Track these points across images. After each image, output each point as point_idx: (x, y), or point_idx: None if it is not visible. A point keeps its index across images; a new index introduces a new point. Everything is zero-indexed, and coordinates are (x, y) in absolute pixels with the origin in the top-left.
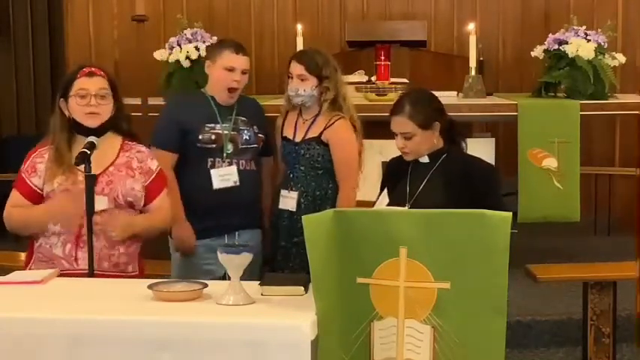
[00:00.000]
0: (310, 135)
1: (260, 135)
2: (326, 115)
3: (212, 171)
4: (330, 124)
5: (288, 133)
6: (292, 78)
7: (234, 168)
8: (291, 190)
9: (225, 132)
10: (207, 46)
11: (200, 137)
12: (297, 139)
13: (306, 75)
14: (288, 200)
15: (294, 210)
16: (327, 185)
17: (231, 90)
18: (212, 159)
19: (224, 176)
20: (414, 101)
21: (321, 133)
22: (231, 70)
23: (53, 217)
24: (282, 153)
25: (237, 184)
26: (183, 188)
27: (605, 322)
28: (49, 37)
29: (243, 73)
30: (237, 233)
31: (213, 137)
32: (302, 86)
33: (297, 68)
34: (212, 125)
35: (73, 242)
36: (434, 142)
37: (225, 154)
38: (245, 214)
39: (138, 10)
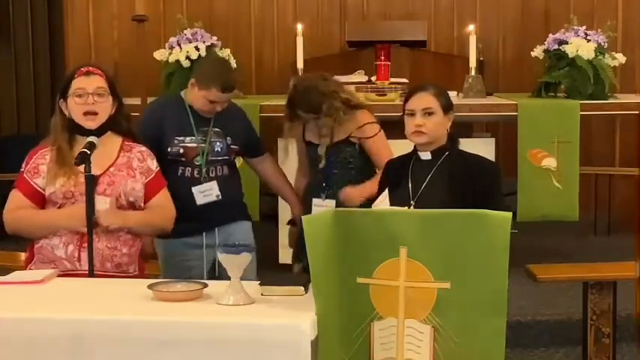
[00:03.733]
0: (337, 139)
1: (233, 146)
2: (351, 118)
3: (193, 189)
4: (360, 128)
5: (312, 138)
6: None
7: (213, 183)
8: (326, 198)
9: (194, 144)
10: (197, 60)
11: (169, 150)
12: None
13: (314, 116)
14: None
15: None
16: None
17: (209, 113)
18: (182, 167)
19: (205, 192)
20: (437, 86)
21: (349, 135)
22: (213, 102)
23: (62, 226)
24: (308, 156)
25: (220, 197)
26: None
27: (605, 322)
28: (49, 37)
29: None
30: (216, 229)
31: (181, 151)
32: (318, 122)
33: (306, 117)
34: (181, 138)
35: (75, 244)
36: (445, 133)
37: (198, 165)
38: (224, 213)
39: (138, 10)
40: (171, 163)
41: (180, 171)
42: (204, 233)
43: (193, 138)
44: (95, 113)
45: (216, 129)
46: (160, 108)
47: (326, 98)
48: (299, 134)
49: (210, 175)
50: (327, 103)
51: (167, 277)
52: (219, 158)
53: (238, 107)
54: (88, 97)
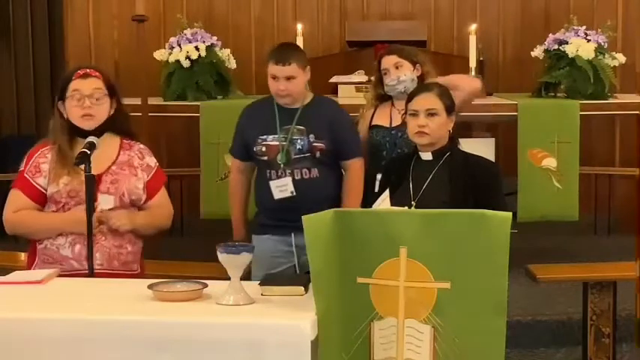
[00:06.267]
0: None
1: (316, 144)
2: None
3: (270, 182)
4: None
5: (382, 122)
6: (388, 71)
7: (288, 179)
8: None
9: (276, 142)
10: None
11: (254, 149)
12: (394, 125)
13: (401, 61)
14: None
15: None
16: None
17: (278, 96)
18: (269, 170)
19: (280, 187)
20: (440, 87)
21: None
22: (274, 78)
23: (68, 230)
24: (371, 142)
25: (294, 194)
26: (257, 193)
27: (605, 322)
28: (49, 37)
29: (288, 79)
30: (293, 234)
31: (263, 149)
32: (400, 73)
33: (390, 59)
34: (264, 137)
35: (82, 243)
36: (447, 134)
37: (280, 164)
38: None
39: (138, 10)
40: (261, 164)
41: (268, 173)
42: (292, 233)
43: (276, 136)
44: (92, 115)
45: (300, 126)
46: (252, 110)
47: (419, 55)
48: (367, 120)
49: (296, 177)
50: (420, 57)
51: (257, 271)
52: (302, 156)
53: (330, 101)
54: (84, 100)
